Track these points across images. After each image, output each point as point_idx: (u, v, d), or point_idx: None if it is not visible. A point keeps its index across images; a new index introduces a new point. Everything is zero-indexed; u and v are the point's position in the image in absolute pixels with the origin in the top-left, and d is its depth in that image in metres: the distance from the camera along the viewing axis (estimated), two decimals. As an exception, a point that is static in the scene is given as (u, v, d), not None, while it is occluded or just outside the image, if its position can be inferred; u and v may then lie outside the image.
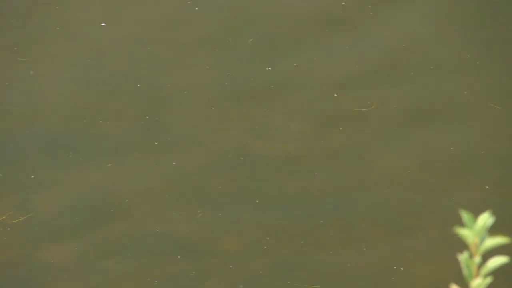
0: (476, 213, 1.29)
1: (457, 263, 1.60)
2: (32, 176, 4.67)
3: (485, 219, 1.23)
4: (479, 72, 5.23)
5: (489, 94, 5.09)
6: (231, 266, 4.50)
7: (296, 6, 5.47)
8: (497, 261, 1.21)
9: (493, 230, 1.31)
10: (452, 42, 5.39)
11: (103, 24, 5.44)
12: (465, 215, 1.19)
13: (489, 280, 1.22)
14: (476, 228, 1.20)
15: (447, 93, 5.18)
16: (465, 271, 1.21)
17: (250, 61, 5.26)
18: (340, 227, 4.66)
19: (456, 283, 1.63)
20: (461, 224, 1.20)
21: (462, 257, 1.20)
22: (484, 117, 5.01)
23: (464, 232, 1.17)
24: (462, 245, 1.30)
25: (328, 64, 5.42)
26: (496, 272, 1.29)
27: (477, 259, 1.20)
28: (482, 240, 1.21)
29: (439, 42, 5.34)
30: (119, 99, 5.27)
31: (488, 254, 1.23)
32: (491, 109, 4.94)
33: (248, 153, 4.86)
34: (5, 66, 5.31)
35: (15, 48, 5.33)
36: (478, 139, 4.95)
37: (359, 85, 5.11)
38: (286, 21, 5.38)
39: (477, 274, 1.21)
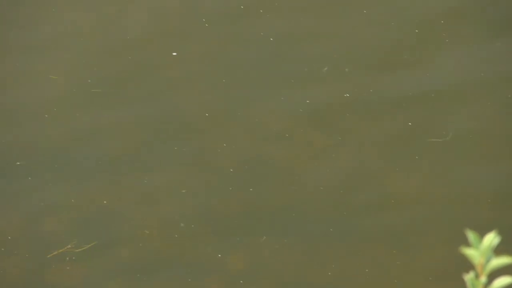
0: (482, 233, 1.28)
1: (463, 283, 1.60)
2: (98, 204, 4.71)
3: (491, 239, 1.22)
4: None
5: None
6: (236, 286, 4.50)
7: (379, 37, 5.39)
8: (503, 281, 1.21)
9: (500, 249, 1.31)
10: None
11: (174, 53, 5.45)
12: (471, 235, 1.19)
13: (495, 300, 1.21)
14: (482, 248, 1.20)
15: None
16: (471, 291, 1.20)
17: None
18: (343, 247, 4.64)
19: (463, 303, 1.62)
20: (467, 243, 1.19)
21: (468, 277, 1.20)
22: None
23: (470, 252, 1.16)
24: (468, 264, 1.30)
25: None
26: (502, 292, 1.29)
27: (483, 279, 1.19)
28: (488, 260, 1.20)
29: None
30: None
31: (495, 274, 1.23)
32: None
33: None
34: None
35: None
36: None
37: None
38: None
39: (484, 294, 1.20)
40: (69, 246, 4.40)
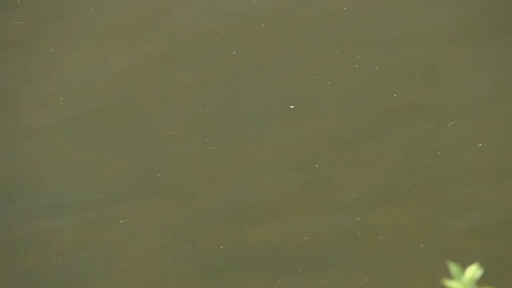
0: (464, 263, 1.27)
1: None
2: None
3: (473, 271, 1.21)
4: None
5: None
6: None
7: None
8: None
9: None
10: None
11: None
12: (453, 267, 1.18)
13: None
14: (464, 280, 1.19)
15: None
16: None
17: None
18: (329, 276, 4.62)
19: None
20: (449, 275, 1.18)
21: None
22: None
23: (452, 284, 1.15)
24: (451, 297, 1.29)
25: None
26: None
27: (466, 311, 1.18)
28: None
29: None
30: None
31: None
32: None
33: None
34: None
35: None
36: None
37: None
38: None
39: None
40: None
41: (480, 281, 1.28)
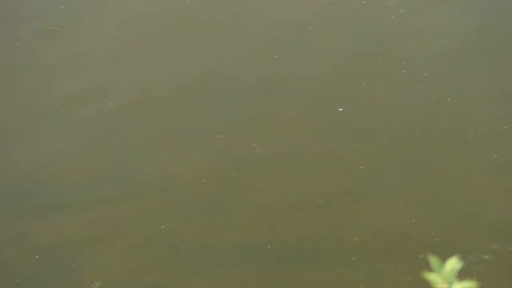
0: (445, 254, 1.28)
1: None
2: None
3: (453, 263, 1.23)
4: None
5: None
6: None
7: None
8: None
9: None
10: None
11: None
12: (433, 260, 1.18)
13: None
14: (444, 273, 1.19)
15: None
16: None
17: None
18: (311, 271, 4.64)
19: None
20: (430, 268, 1.20)
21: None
22: None
23: (432, 277, 1.16)
24: (431, 289, 1.31)
25: None
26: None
27: (447, 303, 1.19)
28: (450, 284, 1.20)
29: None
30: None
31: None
32: None
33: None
34: None
35: None
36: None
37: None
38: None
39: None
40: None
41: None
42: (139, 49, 6.23)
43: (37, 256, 4.91)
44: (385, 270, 4.63)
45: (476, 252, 4.78)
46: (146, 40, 6.41)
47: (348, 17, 5.99)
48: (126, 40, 6.35)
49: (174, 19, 6.49)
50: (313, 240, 4.81)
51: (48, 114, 5.81)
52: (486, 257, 4.76)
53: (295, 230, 4.83)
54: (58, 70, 6.27)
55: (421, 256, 4.65)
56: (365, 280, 4.56)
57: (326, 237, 4.91)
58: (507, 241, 4.95)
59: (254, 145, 5.26)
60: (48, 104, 5.86)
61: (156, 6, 6.68)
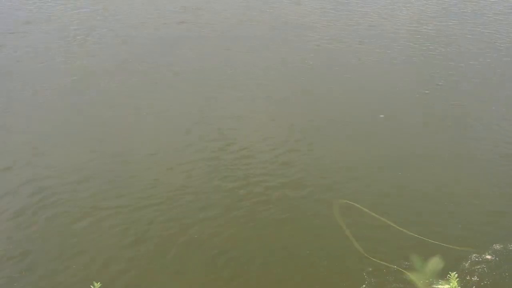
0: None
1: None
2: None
3: (436, 263, 1.34)
4: None
5: None
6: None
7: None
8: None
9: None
10: None
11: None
12: (415, 260, 1.29)
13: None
14: (427, 272, 1.30)
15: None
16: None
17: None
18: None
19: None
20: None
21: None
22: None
23: (414, 277, 1.26)
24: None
25: None
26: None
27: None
28: (431, 284, 1.31)
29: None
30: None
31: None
32: None
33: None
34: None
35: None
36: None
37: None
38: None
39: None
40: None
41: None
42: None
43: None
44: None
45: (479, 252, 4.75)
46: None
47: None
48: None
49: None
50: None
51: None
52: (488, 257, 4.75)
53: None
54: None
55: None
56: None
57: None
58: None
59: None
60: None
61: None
